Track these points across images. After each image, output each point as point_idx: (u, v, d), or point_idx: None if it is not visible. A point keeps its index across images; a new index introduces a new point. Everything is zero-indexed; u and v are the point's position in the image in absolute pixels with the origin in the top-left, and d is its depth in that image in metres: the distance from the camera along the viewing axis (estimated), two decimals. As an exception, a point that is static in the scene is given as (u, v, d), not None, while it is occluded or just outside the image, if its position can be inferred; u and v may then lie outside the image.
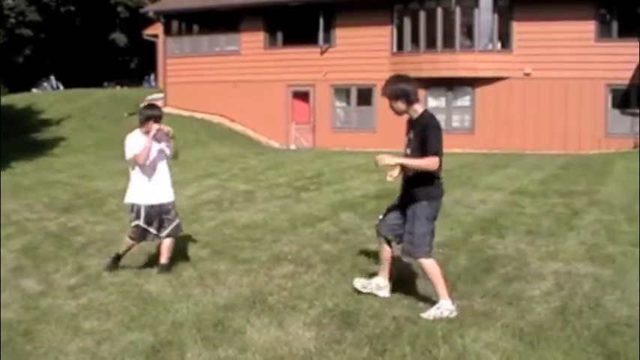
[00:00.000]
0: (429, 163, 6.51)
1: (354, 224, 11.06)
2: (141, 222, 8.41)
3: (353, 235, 10.27)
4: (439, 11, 28.05)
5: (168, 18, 34.26)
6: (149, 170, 8.35)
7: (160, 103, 33.99)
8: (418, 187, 6.68)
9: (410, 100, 6.58)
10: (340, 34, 30.05)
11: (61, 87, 48.89)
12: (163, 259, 8.52)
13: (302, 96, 31.04)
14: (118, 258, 8.67)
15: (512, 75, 27.49)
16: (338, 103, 30.84)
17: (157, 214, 8.44)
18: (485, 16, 27.82)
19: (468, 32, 28.37)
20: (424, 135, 6.54)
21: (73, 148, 27.79)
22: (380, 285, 7.16)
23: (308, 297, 7.18)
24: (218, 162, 21.59)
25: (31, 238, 11.20)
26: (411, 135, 6.70)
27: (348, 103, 30.70)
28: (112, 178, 18.66)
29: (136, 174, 8.39)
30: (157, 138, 8.32)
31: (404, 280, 7.66)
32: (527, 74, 27.30)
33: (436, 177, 6.75)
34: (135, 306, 7.15)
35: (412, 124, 6.73)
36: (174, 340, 6.13)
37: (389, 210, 7.17)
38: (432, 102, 28.86)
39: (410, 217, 6.72)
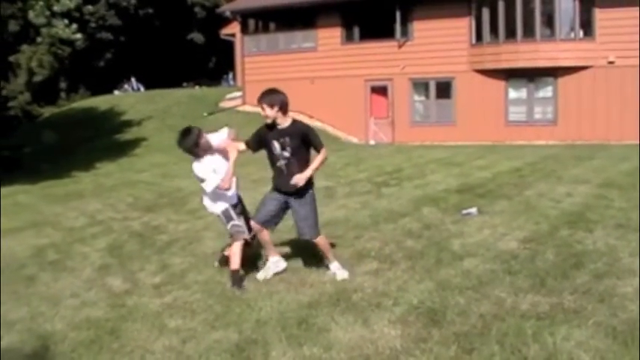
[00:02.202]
0: (325, 154, 7.79)
1: (436, 219, 10.90)
2: (235, 220, 8.13)
3: (436, 230, 10.12)
4: (518, 0, 27.48)
5: (245, 17, 34.49)
6: None
7: (237, 101, 34.37)
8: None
9: (285, 110, 7.75)
10: (418, 27, 29.75)
11: (142, 88, 49.76)
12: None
13: (380, 90, 30.85)
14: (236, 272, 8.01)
15: (596, 64, 26.75)
16: (417, 97, 30.55)
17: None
18: (565, 4, 27.14)
19: (549, 21, 27.71)
20: (309, 137, 7.75)
21: (154, 148, 28.26)
22: (275, 261, 8.21)
23: (392, 294, 7.07)
24: (297, 159, 21.56)
25: (115, 237, 11.41)
26: (286, 140, 7.70)
27: (427, 96, 30.38)
28: (192, 177, 18.85)
29: None
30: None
31: (488, 278, 7.49)
32: (610, 62, 26.52)
33: None
34: (219, 304, 7.17)
35: (281, 131, 7.75)
36: (258, 338, 6.11)
37: (264, 204, 8.03)
38: (513, 93, 28.36)
39: (304, 205, 7.81)
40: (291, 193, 7.78)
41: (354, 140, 30.39)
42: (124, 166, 24.02)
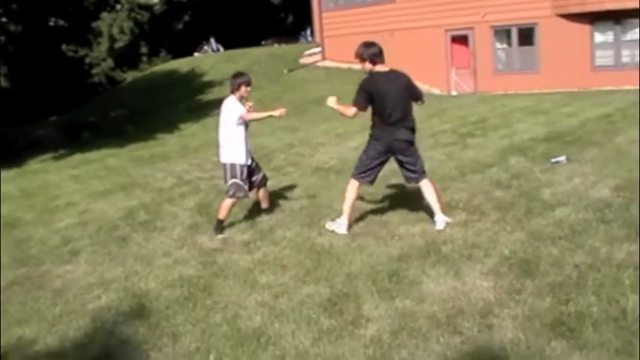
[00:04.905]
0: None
1: (524, 169, 10.68)
2: (239, 180, 8.87)
3: (524, 180, 9.92)
4: (602, -60, 26.46)
5: (321, -29, 34.18)
6: (245, 133, 8.92)
7: (317, 57, 34.26)
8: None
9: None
10: (497, -28, 28.99)
11: (221, 48, 50.00)
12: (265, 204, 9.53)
13: (461, 40, 30.26)
14: (221, 222, 8.95)
15: (687, 2, 25.59)
16: (498, 45, 29.85)
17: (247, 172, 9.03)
18: (653, -60, 25.98)
19: (636, -41, 26.62)
20: None
21: (236, 107, 28.38)
22: None
23: (483, 245, 7.00)
24: (379, 113, 21.40)
25: (203, 196, 11.56)
26: None
27: (509, 44, 29.64)
28: (275, 134, 18.95)
29: (234, 136, 8.89)
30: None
31: (581, 227, 7.31)
32: (703, 0, 25.34)
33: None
34: (309, 259, 7.21)
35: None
36: (350, 292, 6.14)
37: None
38: (599, 37, 27.43)
39: None
40: None
41: (436, 92, 29.96)
42: (207, 127, 24.19)
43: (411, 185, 8.55)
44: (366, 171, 8.08)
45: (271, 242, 8.12)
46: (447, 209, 8.61)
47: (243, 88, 8.95)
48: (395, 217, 8.52)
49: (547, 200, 8.60)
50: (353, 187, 8.16)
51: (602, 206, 8.06)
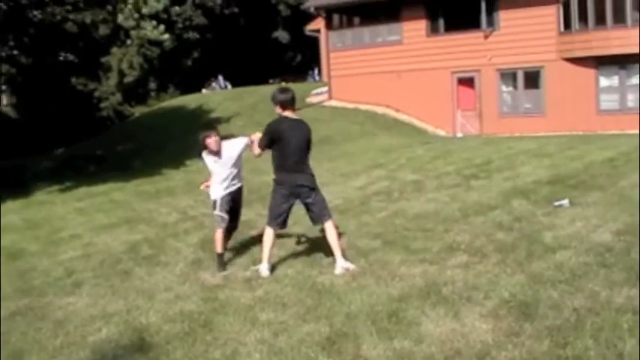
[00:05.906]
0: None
1: (527, 211, 10.71)
2: (218, 211, 9.26)
3: (527, 222, 9.94)
4: (608, -15, 26.73)
5: (329, 12, 34.48)
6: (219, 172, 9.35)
7: (324, 97, 34.48)
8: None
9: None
10: (504, 16, 29.23)
11: (229, 86, 50.34)
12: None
13: (467, 82, 30.48)
14: (221, 255, 9.14)
15: (691, 48, 25.75)
16: (504, 88, 30.07)
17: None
18: (658, -13, 26.25)
19: (640, 5, 26.86)
20: None
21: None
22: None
23: (483, 287, 7.01)
24: (385, 152, 21.53)
25: (207, 232, 11.59)
26: None
27: (515, 87, 29.87)
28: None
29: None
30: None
31: (582, 271, 7.32)
32: None
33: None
34: (309, 297, 7.24)
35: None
36: (349, 331, 6.15)
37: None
38: (604, 81, 27.62)
39: None
40: None
41: (442, 133, 30.10)
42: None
43: (316, 227, 9.01)
44: (277, 217, 8.50)
45: (273, 280, 8.15)
46: (448, 250, 8.66)
47: (207, 140, 9.23)
48: (396, 257, 8.54)
49: (548, 243, 8.62)
50: (269, 234, 8.55)
51: (603, 250, 8.08)
